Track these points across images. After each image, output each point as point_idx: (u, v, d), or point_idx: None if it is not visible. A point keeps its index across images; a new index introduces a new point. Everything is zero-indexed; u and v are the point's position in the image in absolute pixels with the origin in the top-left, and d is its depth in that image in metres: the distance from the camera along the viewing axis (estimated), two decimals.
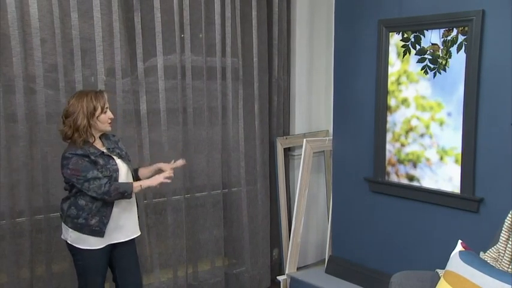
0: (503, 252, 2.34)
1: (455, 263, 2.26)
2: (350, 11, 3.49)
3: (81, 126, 2.54)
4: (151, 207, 3.37)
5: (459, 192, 2.98)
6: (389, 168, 3.34)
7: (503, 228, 2.39)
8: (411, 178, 3.22)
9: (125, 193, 2.58)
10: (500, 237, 2.39)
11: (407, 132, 3.22)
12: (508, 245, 2.33)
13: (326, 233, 3.94)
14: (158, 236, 3.40)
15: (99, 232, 2.61)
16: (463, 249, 2.34)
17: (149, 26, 3.24)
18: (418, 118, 3.16)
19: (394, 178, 3.31)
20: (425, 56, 3.08)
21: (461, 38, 2.90)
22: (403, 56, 3.19)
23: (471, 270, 2.16)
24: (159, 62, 3.28)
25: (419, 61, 3.12)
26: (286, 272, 3.81)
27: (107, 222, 2.62)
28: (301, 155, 3.80)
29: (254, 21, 3.64)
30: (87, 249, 2.62)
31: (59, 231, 2.76)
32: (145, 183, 2.68)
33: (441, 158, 3.05)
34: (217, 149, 3.59)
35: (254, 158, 3.76)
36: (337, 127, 3.67)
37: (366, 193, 3.48)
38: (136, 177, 2.82)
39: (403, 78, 3.21)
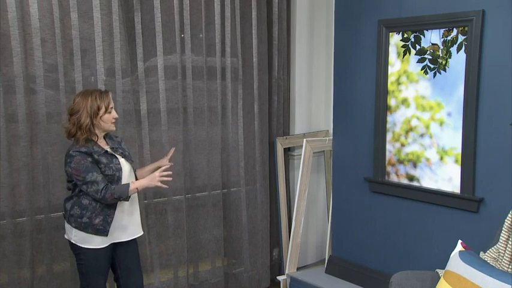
0: (503, 252, 2.35)
1: (455, 263, 2.27)
2: (350, 11, 3.49)
3: (84, 125, 2.55)
4: (151, 207, 3.37)
5: (459, 192, 2.98)
6: (389, 168, 3.34)
7: (503, 228, 2.39)
8: (411, 178, 3.23)
9: (120, 198, 2.59)
10: (500, 237, 2.39)
11: (407, 132, 3.22)
12: (508, 245, 2.33)
13: (326, 233, 3.94)
14: (158, 236, 3.41)
15: (103, 231, 2.63)
16: (463, 249, 2.34)
17: (149, 26, 3.24)
18: (418, 118, 3.16)
19: (394, 178, 3.32)
20: (425, 56, 3.08)
21: (461, 38, 2.90)
22: (403, 56, 3.19)
23: (471, 270, 2.17)
24: (159, 62, 3.28)
25: (419, 61, 3.12)
26: (286, 272, 3.81)
27: (111, 221, 2.64)
28: (301, 155, 3.80)
29: (254, 21, 3.64)
30: (90, 249, 2.63)
31: (60, 231, 2.76)
32: (141, 184, 2.65)
33: (441, 158, 3.06)
34: (217, 149, 3.60)
35: (253, 158, 3.76)
36: (337, 127, 3.68)
37: (365, 193, 3.49)
38: (136, 179, 2.82)
39: (403, 78, 3.21)
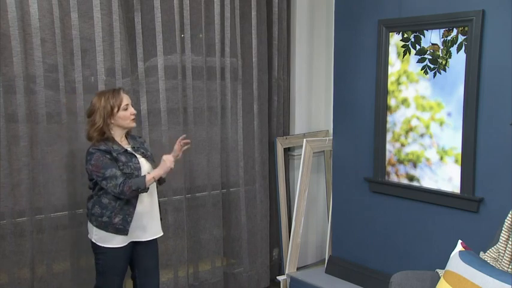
0: (503, 252, 2.35)
1: (455, 263, 2.27)
2: (350, 11, 3.49)
3: (97, 125, 2.61)
4: None
5: (459, 192, 2.98)
6: (389, 168, 3.34)
7: (503, 228, 2.39)
8: (411, 178, 3.23)
9: (138, 189, 2.61)
10: (500, 237, 2.39)
11: (407, 132, 3.22)
12: (508, 245, 2.33)
13: (326, 233, 3.94)
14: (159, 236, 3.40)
15: (123, 230, 2.66)
16: (463, 249, 2.34)
17: (149, 26, 3.24)
18: (418, 118, 3.16)
19: (394, 178, 3.32)
20: (425, 56, 3.08)
21: (461, 38, 2.90)
22: (403, 56, 3.20)
23: (471, 270, 2.17)
24: (160, 62, 3.28)
25: (419, 61, 3.12)
26: (286, 272, 3.82)
27: (131, 221, 2.67)
28: (301, 155, 3.80)
29: (254, 21, 3.64)
30: (110, 248, 2.66)
31: (60, 231, 2.76)
32: (157, 173, 2.68)
33: (441, 158, 3.06)
34: (217, 149, 3.60)
35: (253, 158, 3.76)
36: (337, 127, 3.68)
37: (365, 193, 3.49)
38: None
39: (403, 78, 3.21)
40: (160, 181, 2.84)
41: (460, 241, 2.40)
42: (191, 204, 3.54)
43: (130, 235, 2.70)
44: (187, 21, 3.36)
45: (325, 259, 3.86)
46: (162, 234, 2.87)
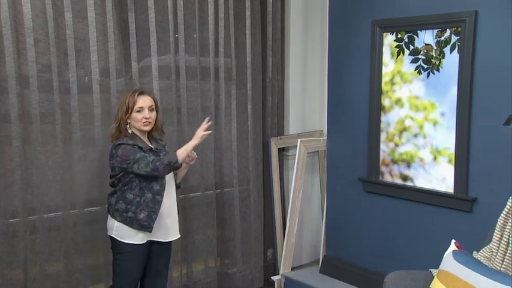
0: (496, 251, 2.36)
1: (449, 262, 2.27)
2: (344, 11, 3.49)
3: (116, 122, 2.72)
4: None
5: (452, 192, 2.99)
6: (383, 168, 3.35)
7: (496, 228, 2.40)
8: (405, 178, 3.24)
9: (170, 163, 2.62)
10: (493, 237, 2.40)
11: (401, 132, 3.23)
12: (501, 245, 2.35)
13: (320, 233, 3.95)
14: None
15: (148, 227, 2.67)
16: (457, 249, 2.35)
17: (143, 26, 3.23)
18: (411, 118, 3.17)
19: (388, 178, 3.32)
20: (419, 56, 3.09)
21: (454, 38, 2.91)
22: (397, 56, 3.20)
23: (464, 269, 2.17)
24: (153, 62, 3.27)
25: (413, 61, 3.13)
26: (281, 272, 3.82)
27: (155, 218, 2.68)
28: (295, 155, 3.80)
29: (248, 21, 3.64)
30: (129, 245, 2.68)
31: (53, 232, 2.75)
32: (188, 145, 2.70)
33: (435, 158, 3.07)
34: (210, 149, 3.59)
35: (247, 158, 3.76)
36: (332, 127, 3.68)
37: (360, 193, 3.49)
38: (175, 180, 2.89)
39: (397, 79, 3.22)
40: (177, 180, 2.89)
41: (453, 241, 2.41)
42: (185, 204, 3.53)
43: (151, 234, 2.71)
44: (181, 21, 3.35)
45: (319, 259, 3.87)
46: (179, 236, 2.88)
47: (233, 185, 3.72)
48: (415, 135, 3.16)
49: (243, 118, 3.72)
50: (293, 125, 4.04)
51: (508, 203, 2.38)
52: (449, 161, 2.99)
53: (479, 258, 2.39)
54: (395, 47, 3.21)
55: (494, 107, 2.76)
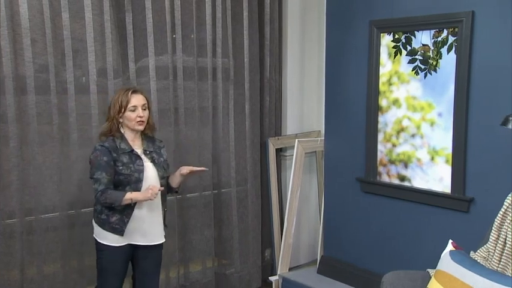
0: (493, 251, 2.36)
1: (446, 262, 2.28)
2: (341, 12, 3.50)
3: (108, 121, 2.68)
4: None
5: (450, 192, 2.99)
6: (380, 169, 3.35)
7: (493, 228, 2.40)
8: (402, 178, 3.24)
9: (112, 204, 2.61)
10: (490, 237, 2.40)
11: (398, 132, 3.24)
12: (498, 245, 2.35)
13: (318, 233, 3.95)
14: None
15: (119, 231, 2.66)
16: (454, 249, 2.35)
17: (141, 27, 3.23)
18: (409, 118, 3.17)
19: (385, 178, 3.33)
20: (416, 56, 3.10)
21: (451, 39, 2.92)
22: (394, 57, 3.21)
23: (462, 269, 2.18)
24: (151, 62, 3.27)
25: (410, 62, 3.14)
26: (278, 272, 3.81)
27: (128, 222, 2.66)
28: (293, 155, 3.80)
29: (245, 22, 3.64)
30: (107, 245, 2.67)
31: (51, 233, 2.75)
32: (135, 196, 2.61)
33: (432, 158, 3.07)
34: (208, 150, 3.59)
35: (244, 159, 3.76)
36: (329, 127, 3.68)
37: (357, 193, 3.49)
38: (168, 185, 2.86)
39: (394, 79, 3.22)
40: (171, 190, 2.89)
41: (450, 241, 2.41)
42: (182, 204, 3.53)
43: (128, 237, 2.69)
44: (178, 21, 3.35)
45: (317, 259, 3.87)
46: (163, 241, 2.83)
47: (231, 186, 3.72)
48: (413, 136, 3.16)
49: (240, 118, 3.72)
50: (291, 125, 4.04)
51: (504, 203, 2.38)
52: (447, 161, 3.00)
53: (476, 258, 2.39)
54: (393, 47, 3.21)
55: (491, 108, 2.77)
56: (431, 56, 3.02)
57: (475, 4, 2.80)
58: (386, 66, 3.26)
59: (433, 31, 3.00)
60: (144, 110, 2.71)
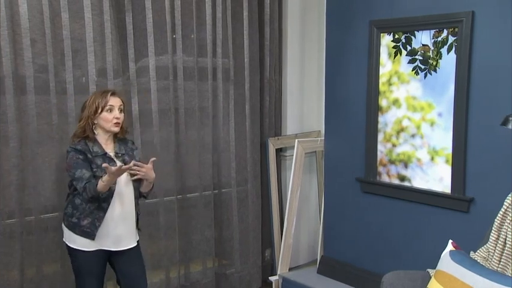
0: (493, 251, 2.36)
1: (446, 262, 2.27)
2: (341, 12, 3.49)
3: (81, 122, 2.62)
4: (143, 208, 3.35)
5: (450, 192, 2.99)
6: (380, 169, 3.35)
7: (493, 228, 2.40)
8: (402, 178, 3.24)
9: (96, 194, 2.52)
10: (490, 237, 2.40)
11: (398, 132, 3.23)
12: (498, 245, 2.35)
13: (318, 234, 3.94)
14: (150, 237, 3.39)
15: (90, 234, 2.59)
16: (454, 249, 2.35)
17: (141, 27, 3.23)
18: (409, 118, 3.17)
19: (385, 178, 3.32)
20: (416, 56, 3.10)
21: (451, 39, 2.92)
22: (394, 57, 3.21)
23: (461, 269, 2.17)
24: (151, 62, 3.27)
25: (410, 62, 3.13)
26: (278, 272, 3.81)
27: (99, 226, 2.60)
28: (293, 155, 3.80)
29: (245, 22, 3.64)
30: (78, 250, 2.62)
31: (50, 233, 2.74)
32: (104, 178, 2.48)
33: (432, 158, 3.07)
34: (208, 150, 3.59)
35: (245, 159, 3.76)
36: (329, 127, 3.68)
37: (357, 193, 3.49)
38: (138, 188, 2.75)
39: (394, 79, 3.22)
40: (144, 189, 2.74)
41: (450, 241, 2.41)
42: (182, 205, 3.53)
43: (99, 242, 2.62)
44: (178, 21, 3.35)
45: (317, 259, 3.86)
46: (134, 245, 2.73)
47: (231, 186, 3.72)
48: (413, 136, 3.16)
49: (240, 118, 3.72)
50: (291, 126, 4.04)
51: (504, 203, 2.38)
52: (447, 161, 2.99)
53: (476, 258, 2.39)
54: (393, 47, 3.21)
55: (492, 108, 2.77)
56: (431, 56, 3.02)
57: (475, 4, 2.79)
58: (386, 66, 3.25)
59: (433, 31, 3.00)
60: (121, 112, 2.66)
